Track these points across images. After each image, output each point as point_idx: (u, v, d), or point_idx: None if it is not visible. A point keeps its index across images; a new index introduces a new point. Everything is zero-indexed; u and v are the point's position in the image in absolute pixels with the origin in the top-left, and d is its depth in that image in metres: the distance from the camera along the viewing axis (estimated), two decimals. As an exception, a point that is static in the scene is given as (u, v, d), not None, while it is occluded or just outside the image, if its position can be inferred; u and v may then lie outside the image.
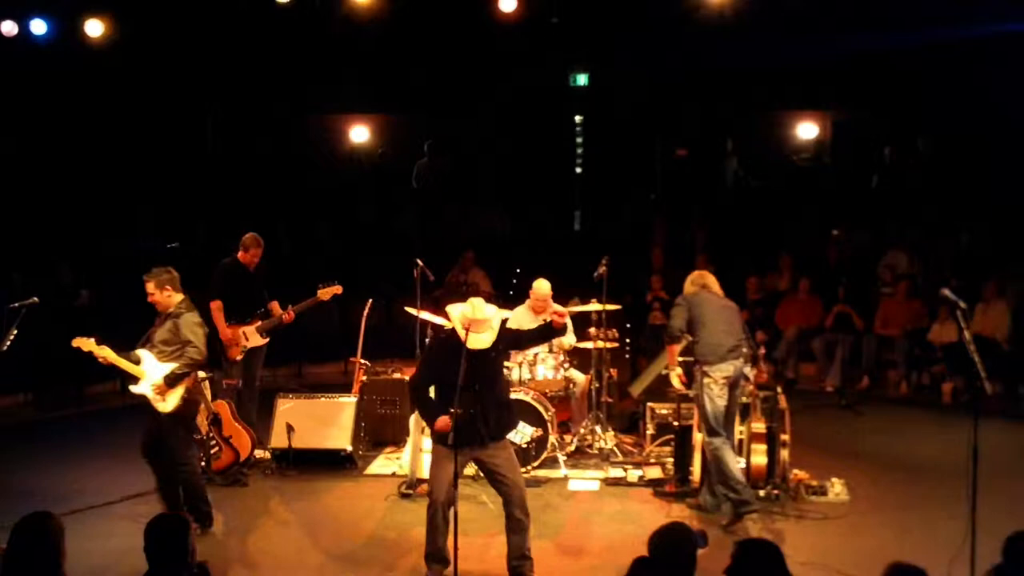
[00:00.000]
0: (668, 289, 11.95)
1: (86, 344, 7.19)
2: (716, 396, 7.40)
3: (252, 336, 9.10)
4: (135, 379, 7.23)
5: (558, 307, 6.71)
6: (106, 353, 7.18)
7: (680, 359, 7.86)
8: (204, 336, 7.33)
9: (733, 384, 7.48)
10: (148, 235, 13.93)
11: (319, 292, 9.03)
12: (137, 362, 7.23)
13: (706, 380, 7.41)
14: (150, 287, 7.27)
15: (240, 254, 9.16)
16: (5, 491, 7.99)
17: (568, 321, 9.12)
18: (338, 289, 9.04)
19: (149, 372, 7.21)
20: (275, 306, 9.18)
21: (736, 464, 7.44)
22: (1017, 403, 10.80)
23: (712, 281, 7.82)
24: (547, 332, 6.75)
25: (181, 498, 7.31)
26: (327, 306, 9.39)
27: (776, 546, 4.20)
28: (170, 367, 7.19)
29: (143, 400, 7.23)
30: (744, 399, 7.83)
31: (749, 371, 7.71)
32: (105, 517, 7.71)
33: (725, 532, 7.18)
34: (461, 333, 6.17)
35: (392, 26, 12.99)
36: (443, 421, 6.20)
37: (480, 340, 6.22)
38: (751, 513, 7.30)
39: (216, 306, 9.05)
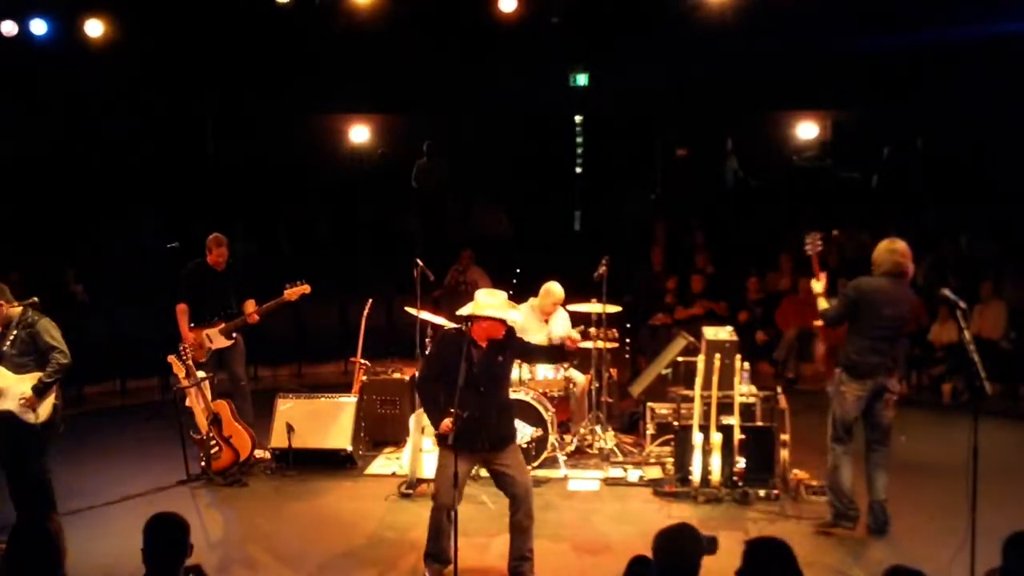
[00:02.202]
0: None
1: None
2: (848, 405, 7.11)
3: (216, 338, 9.07)
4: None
5: (575, 334, 6.70)
6: None
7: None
8: (62, 338, 7.25)
9: (874, 396, 7.12)
10: (148, 235, 13.94)
11: (286, 292, 8.96)
12: None
13: (842, 388, 7.13)
14: None
15: (207, 256, 9.16)
16: (4, 491, 7.98)
17: (568, 325, 9.16)
18: (306, 289, 8.98)
19: (8, 388, 7.10)
20: (249, 305, 9.13)
21: (849, 479, 7.23)
22: (1017, 403, 10.79)
23: (903, 254, 7.06)
24: (558, 355, 6.74)
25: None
26: (293, 306, 9.34)
27: (786, 545, 4.10)
28: (34, 377, 7.12)
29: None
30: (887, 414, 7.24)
31: (896, 384, 7.19)
32: (105, 517, 7.71)
33: (816, 533, 7.19)
34: (494, 313, 6.17)
35: (392, 26, 12.99)
36: (445, 425, 6.16)
37: (510, 315, 6.26)
38: (846, 527, 7.19)
39: (180, 309, 9.08)
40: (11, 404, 7.09)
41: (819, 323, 7.41)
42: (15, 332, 7.17)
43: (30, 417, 7.12)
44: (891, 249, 7.11)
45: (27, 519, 4.37)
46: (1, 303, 7.14)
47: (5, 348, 7.17)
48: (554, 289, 9.04)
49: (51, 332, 7.20)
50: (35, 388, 7.08)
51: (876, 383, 7.07)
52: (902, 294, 7.12)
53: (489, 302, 6.26)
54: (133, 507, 7.78)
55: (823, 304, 7.32)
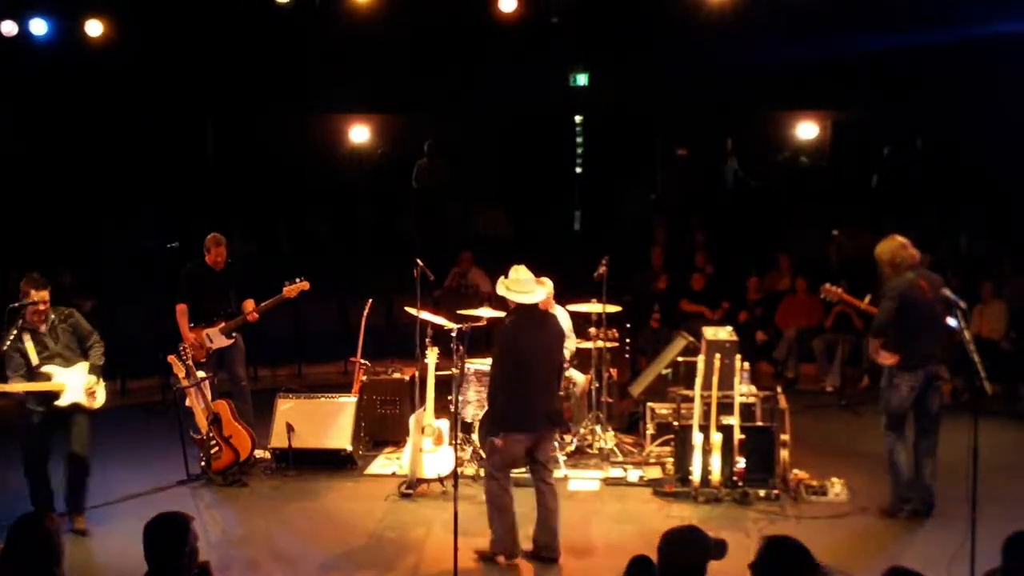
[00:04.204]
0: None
1: None
2: (903, 396, 7.32)
3: (216, 337, 9.08)
4: (62, 388, 7.16)
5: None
6: (16, 387, 7.06)
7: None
8: None
9: (926, 385, 7.33)
10: (148, 235, 13.92)
11: (284, 289, 8.97)
12: (49, 380, 7.16)
13: (895, 380, 7.34)
14: (46, 294, 7.12)
15: (206, 256, 9.17)
16: (4, 491, 7.98)
17: (569, 324, 9.15)
18: (305, 286, 8.99)
19: (70, 381, 7.16)
20: (248, 304, 9.13)
21: (908, 464, 7.42)
22: (1017, 403, 10.79)
23: (911, 244, 7.39)
24: None
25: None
26: (293, 305, 9.33)
27: (802, 545, 3.96)
28: (84, 367, 7.22)
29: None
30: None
31: (946, 371, 7.48)
32: (105, 517, 7.71)
33: (882, 516, 7.42)
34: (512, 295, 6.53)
35: (392, 26, 12.99)
36: None
37: (531, 297, 6.59)
38: (911, 512, 7.35)
39: (180, 310, 9.09)
40: (78, 396, 7.20)
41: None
42: (59, 327, 7.25)
43: (94, 404, 7.29)
44: (901, 244, 7.39)
45: (24, 518, 4.36)
46: (46, 296, 7.15)
47: (52, 345, 7.22)
48: (543, 281, 9.03)
49: (84, 319, 7.42)
50: (94, 371, 7.25)
51: (927, 372, 7.29)
52: (930, 281, 7.34)
53: (514, 278, 6.71)
54: (133, 507, 7.78)
55: (875, 345, 7.54)
